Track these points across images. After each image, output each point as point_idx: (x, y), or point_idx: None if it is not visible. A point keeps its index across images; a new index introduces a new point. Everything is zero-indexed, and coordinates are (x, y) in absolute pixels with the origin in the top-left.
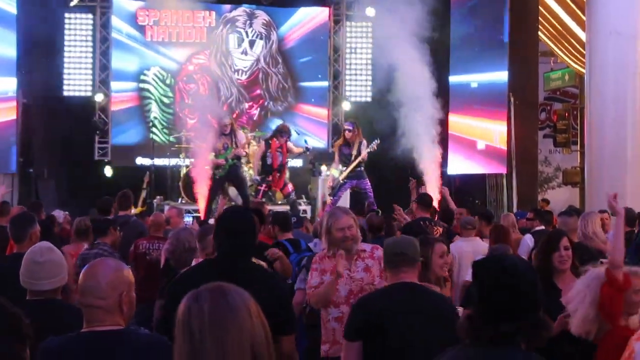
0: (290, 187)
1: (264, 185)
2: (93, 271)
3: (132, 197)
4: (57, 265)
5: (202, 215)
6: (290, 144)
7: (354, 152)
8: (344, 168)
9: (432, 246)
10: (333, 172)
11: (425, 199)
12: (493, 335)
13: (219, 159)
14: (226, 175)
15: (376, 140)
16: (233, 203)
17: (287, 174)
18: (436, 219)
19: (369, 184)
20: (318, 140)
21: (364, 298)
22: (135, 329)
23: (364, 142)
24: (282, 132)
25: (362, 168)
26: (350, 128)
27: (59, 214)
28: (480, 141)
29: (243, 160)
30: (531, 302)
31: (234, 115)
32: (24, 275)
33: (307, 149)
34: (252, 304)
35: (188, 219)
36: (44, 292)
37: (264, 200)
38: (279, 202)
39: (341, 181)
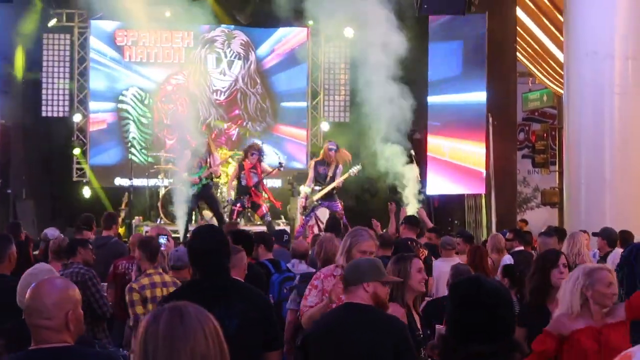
0: (265, 208)
1: (237, 205)
2: (39, 291)
3: (117, 218)
4: None
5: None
6: (264, 165)
7: (330, 174)
8: (317, 187)
9: (410, 261)
10: (305, 190)
11: (413, 220)
12: (466, 357)
13: (192, 176)
14: (199, 193)
15: (357, 166)
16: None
17: (264, 195)
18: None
19: (340, 206)
20: (297, 161)
21: None
22: (82, 347)
23: (340, 167)
24: (252, 150)
25: (335, 190)
26: (334, 148)
27: (53, 232)
28: (458, 163)
29: (222, 179)
30: (507, 325)
31: (213, 136)
32: (21, 296)
33: (281, 164)
34: (211, 325)
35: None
36: None
37: (237, 221)
38: (257, 223)
39: (315, 202)
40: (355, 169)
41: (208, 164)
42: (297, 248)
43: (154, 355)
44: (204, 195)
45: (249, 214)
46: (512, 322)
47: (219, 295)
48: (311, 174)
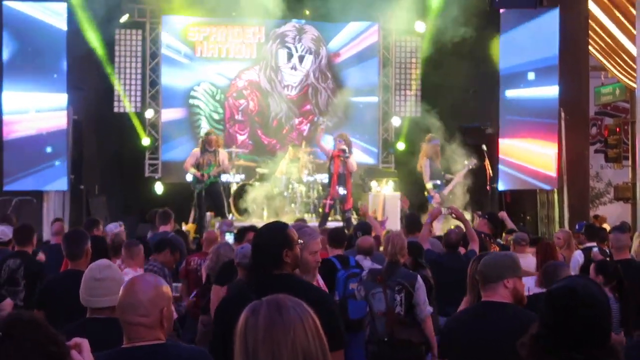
0: (351, 202)
1: (328, 198)
2: (133, 288)
3: (172, 214)
4: (116, 283)
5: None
6: (350, 160)
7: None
8: (439, 182)
9: None
10: (429, 186)
11: (494, 218)
12: None
13: (200, 172)
14: (206, 191)
15: (473, 160)
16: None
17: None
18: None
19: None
20: (368, 156)
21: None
22: (176, 343)
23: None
24: (338, 139)
25: None
26: (438, 143)
27: (113, 227)
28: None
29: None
30: (604, 332)
31: (284, 131)
32: (84, 292)
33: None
34: (310, 320)
35: (229, 237)
36: (103, 310)
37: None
38: (330, 219)
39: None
40: (472, 163)
41: (217, 162)
42: (362, 244)
43: (254, 348)
44: (212, 192)
45: (337, 206)
46: (609, 328)
47: (276, 291)
48: (428, 170)
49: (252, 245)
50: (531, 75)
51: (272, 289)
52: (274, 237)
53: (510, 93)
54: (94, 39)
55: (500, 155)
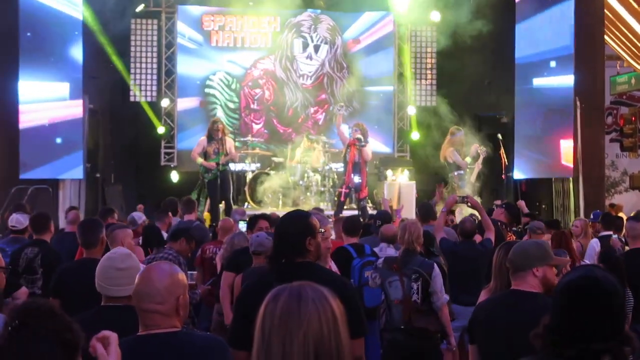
0: (366, 191)
1: (343, 187)
2: (149, 276)
3: (196, 202)
4: (137, 272)
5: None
6: (366, 149)
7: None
8: (462, 172)
9: None
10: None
11: (512, 209)
12: (579, 354)
13: (210, 162)
14: (216, 179)
15: (484, 148)
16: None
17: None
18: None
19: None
20: (383, 145)
21: None
22: (191, 331)
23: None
24: (354, 127)
25: None
26: (463, 134)
27: (139, 216)
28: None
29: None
30: (620, 323)
31: (299, 120)
32: (103, 281)
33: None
34: (328, 312)
35: (242, 225)
36: (119, 298)
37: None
38: (345, 207)
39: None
40: (485, 150)
41: (225, 150)
42: (385, 232)
43: (270, 333)
44: (221, 180)
45: (353, 195)
46: (624, 317)
47: (298, 278)
48: (459, 158)
49: (275, 233)
50: (553, 63)
51: (294, 277)
52: (298, 225)
53: (526, 82)
54: (110, 28)
55: (516, 144)
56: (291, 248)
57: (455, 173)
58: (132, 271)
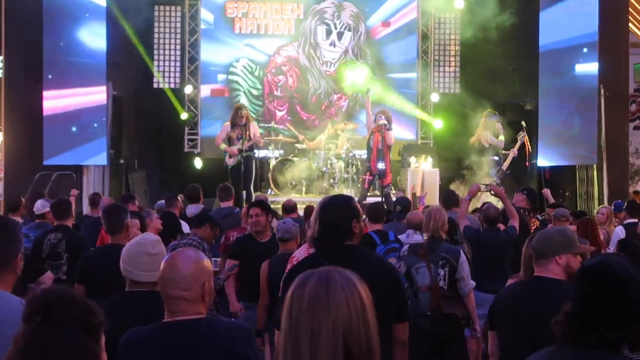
0: (390, 177)
1: (367, 173)
2: (175, 262)
3: (232, 189)
4: (163, 258)
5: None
6: (390, 133)
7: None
8: (497, 157)
9: None
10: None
11: (532, 194)
12: (597, 341)
13: (231, 148)
14: (238, 166)
15: (523, 133)
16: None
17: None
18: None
19: None
20: (407, 132)
21: None
22: (216, 317)
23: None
24: (379, 114)
25: None
26: (498, 118)
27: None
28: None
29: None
30: (638, 310)
31: (323, 107)
32: (133, 266)
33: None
34: (357, 299)
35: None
36: (144, 284)
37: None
38: (369, 194)
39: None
40: (522, 135)
41: (248, 136)
42: (412, 219)
43: (297, 319)
44: (244, 166)
45: (377, 182)
46: None
47: (346, 260)
48: (496, 141)
49: (320, 217)
50: (585, 49)
51: (342, 259)
52: (344, 209)
53: (550, 69)
54: (133, 15)
55: (540, 132)
56: (339, 231)
57: (490, 158)
58: (161, 257)
